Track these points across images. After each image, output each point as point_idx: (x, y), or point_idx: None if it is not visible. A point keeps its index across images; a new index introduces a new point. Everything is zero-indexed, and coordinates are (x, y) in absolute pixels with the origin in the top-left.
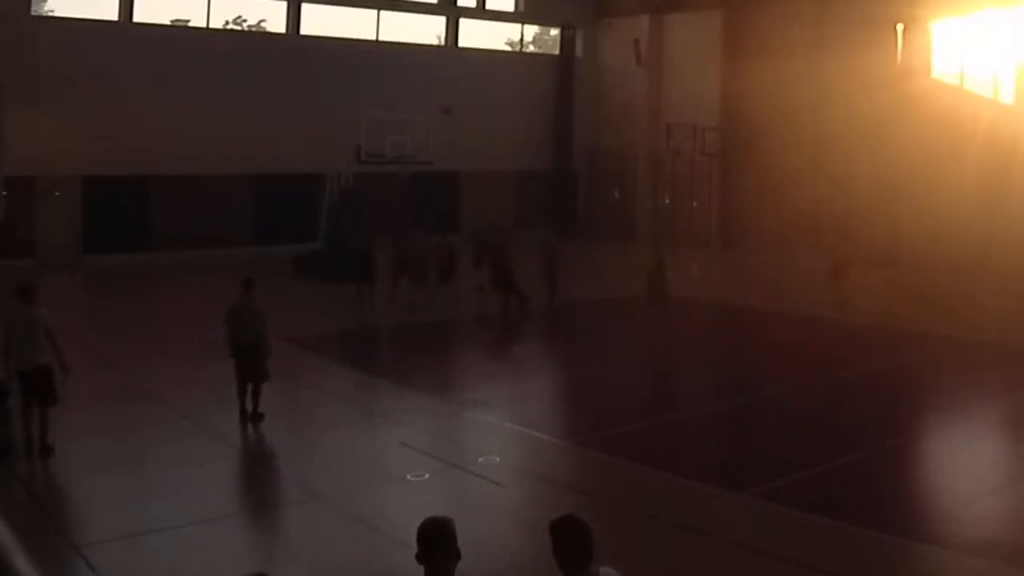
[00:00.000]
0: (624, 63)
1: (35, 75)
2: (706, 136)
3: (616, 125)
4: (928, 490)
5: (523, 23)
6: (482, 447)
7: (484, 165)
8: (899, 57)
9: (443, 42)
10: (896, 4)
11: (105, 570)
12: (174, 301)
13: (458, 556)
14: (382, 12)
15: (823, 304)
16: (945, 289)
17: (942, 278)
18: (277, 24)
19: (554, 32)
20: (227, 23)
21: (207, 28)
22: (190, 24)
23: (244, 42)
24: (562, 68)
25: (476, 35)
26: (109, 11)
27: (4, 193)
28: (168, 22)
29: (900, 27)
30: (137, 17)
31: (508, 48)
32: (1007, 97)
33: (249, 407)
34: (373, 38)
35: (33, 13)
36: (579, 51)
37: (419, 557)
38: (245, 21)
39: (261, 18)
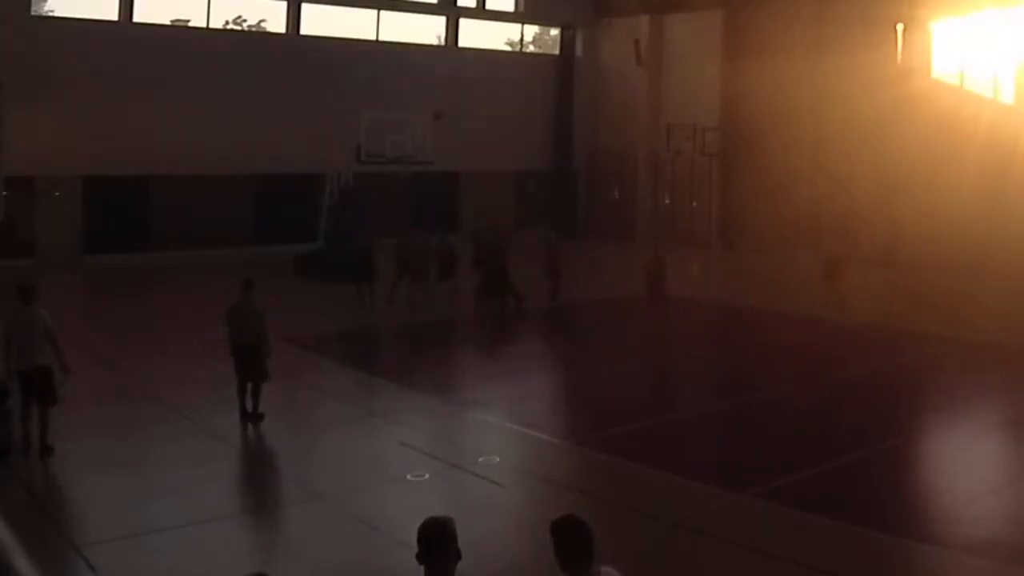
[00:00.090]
0: (624, 63)
1: (35, 75)
2: (706, 136)
3: (616, 125)
4: (928, 490)
5: (523, 23)
6: (482, 447)
7: (484, 165)
8: (899, 57)
9: (443, 42)
10: (896, 4)
11: (105, 570)
12: (174, 301)
13: (458, 556)
14: (382, 12)
15: (820, 304)
16: (945, 289)
17: (942, 278)
18: (277, 24)
19: (554, 32)
20: (227, 23)
21: (207, 28)
22: (190, 24)
23: (244, 42)
24: (562, 68)
25: (476, 35)
26: (109, 11)
27: (4, 193)
28: (168, 22)
29: (900, 27)
30: (137, 17)
31: (508, 48)
32: (1007, 97)
33: (249, 407)
34: (373, 38)
35: (33, 13)
36: (579, 51)
37: (419, 557)
38: (245, 21)
39: (261, 18)
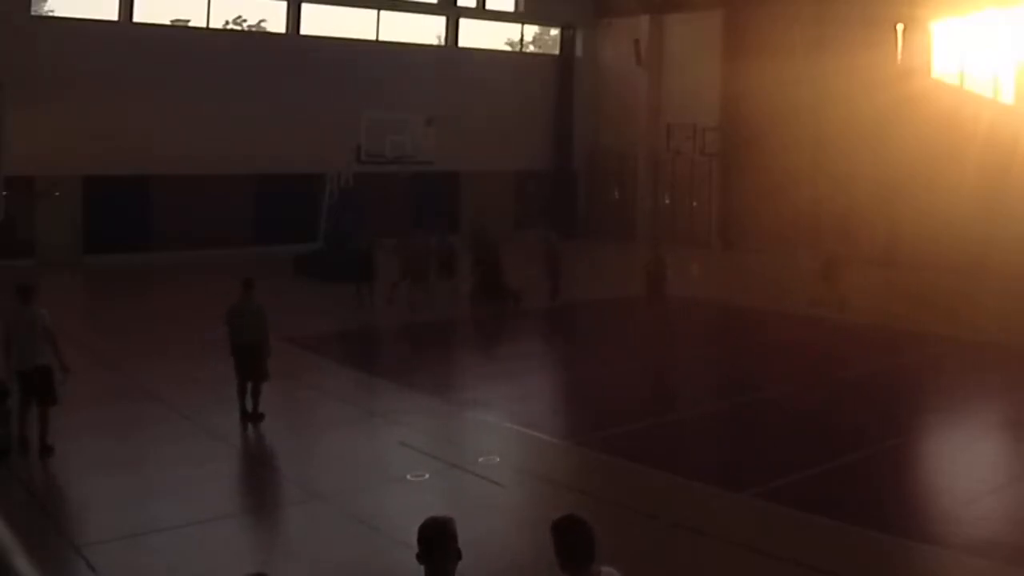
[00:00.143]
0: (624, 63)
1: (35, 75)
2: (706, 136)
3: (616, 125)
4: (928, 490)
5: (523, 23)
6: (482, 447)
7: (484, 165)
8: (899, 57)
9: (443, 42)
10: (896, 4)
11: (105, 570)
12: (174, 301)
13: (459, 556)
14: (382, 12)
15: (816, 303)
16: (945, 289)
17: (942, 278)
18: (277, 24)
19: (554, 32)
20: (227, 23)
21: (207, 28)
22: (190, 24)
23: (244, 42)
24: (562, 68)
25: (476, 35)
26: (109, 11)
27: (4, 193)
28: (168, 22)
29: (900, 27)
30: (137, 17)
31: (508, 48)
32: (1007, 97)
33: (249, 407)
34: (373, 38)
35: (33, 13)
36: (579, 51)
37: (419, 557)
38: (245, 21)
39: (261, 18)
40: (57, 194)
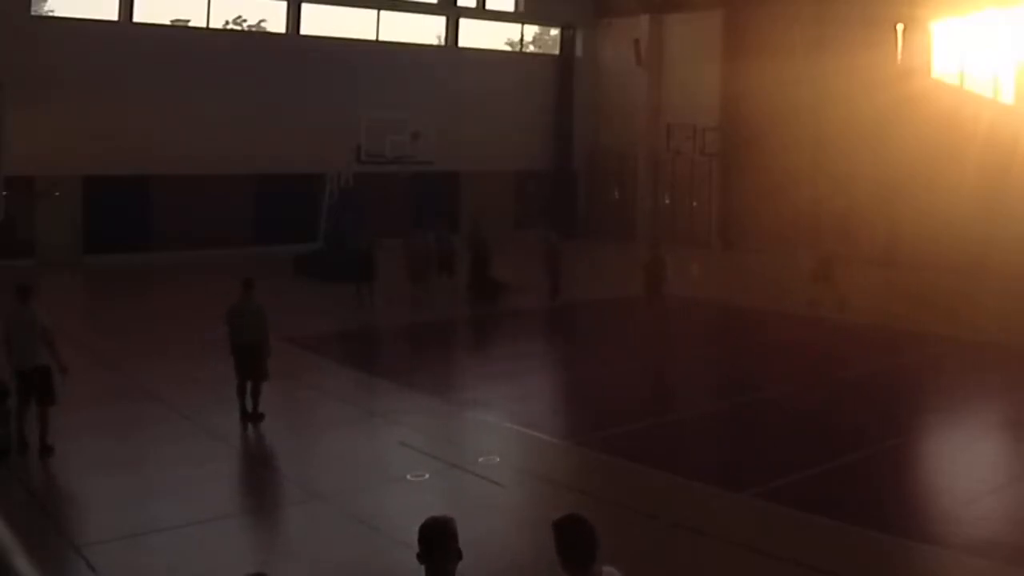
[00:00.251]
0: (624, 63)
1: (35, 75)
2: (706, 136)
3: (616, 125)
4: (928, 490)
5: (523, 23)
6: (482, 447)
7: (484, 165)
8: (899, 57)
9: (443, 42)
10: (896, 4)
11: (105, 570)
12: (174, 301)
13: (459, 556)
14: (382, 12)
15: (810, 303)
16: (945, 289)
17: (942, 278)
18: (277, 24)
19: (554, 32)
20: (227, 23)
21: (207, 28)
22: (190, 24)
23: (244, 42)
24: (562, 68)
25: (476, 35)
26: (109, 11)
27: (4, 193)
28: (168, 22)
29: (900, 27)
30: (137, 17)
31: (508, 48)
32: (1007, 97)
33: (249, 407)
34: (373, 38)
35: (33, 13)
36: (579, 51)
37: (420, 557)
38: (245, 21)
39: (261, 18)
40: (57, 194)
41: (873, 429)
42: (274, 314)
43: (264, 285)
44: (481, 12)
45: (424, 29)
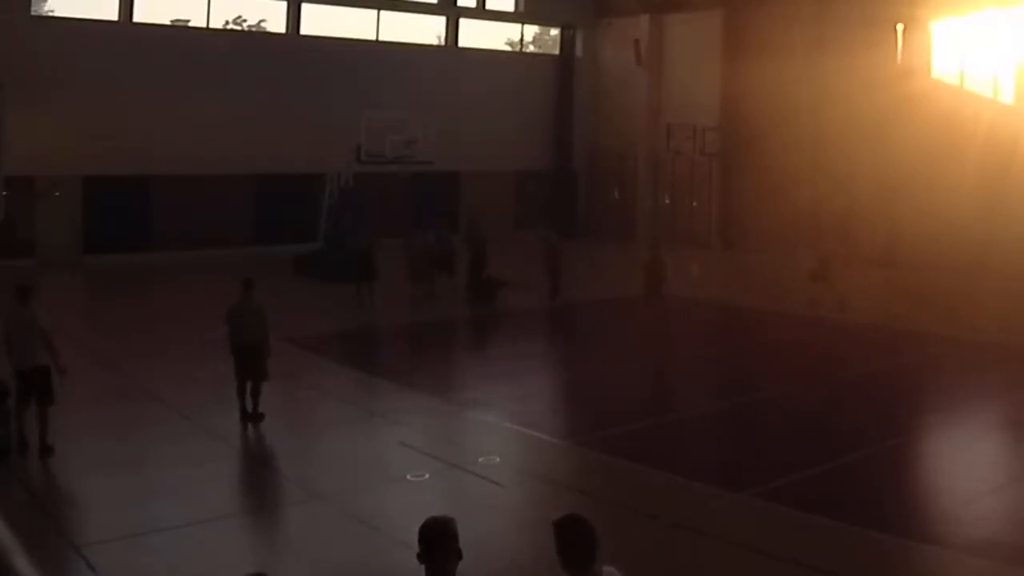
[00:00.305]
0: (624, 63)
1: (35, 75)
2: (706, 136)
3: (616, 125)
4: (928, 490)
5: (523, 23)
6: (482, 447)
7: (484, 165)
8: (899, 57)
9: (443, 42)
10: (896, 4)
11: (105, 570)
12: (174, 301)
13: (459, 556)
14: (382, 12)
15: (816, 303)
16: (945, 289)
17: (942, 278)
18: (277, 24)
19: (554, 32)
20: (227, 23)
21: (207, 28)
22: (190, 24)
23: (244, 42)
24: (562, 68)
25: (476, 35)
26: (109, 11)
27: (4, 193)
28: (168, 22)
29: (900, 27)
30: (137, 17)
31: (508, 48)
32: (1007, 97)
33: (249, 407)
34: (373, 38)
35: (33, 13)
36: (579, 51)
37: (420, 557)
38: (245, 21)
39: (261, 18)
40: (57, 194)
41: (873, 429)
42: (274, 314)
43: (264, 285)
44: (481, 12)
45: (424, 29)
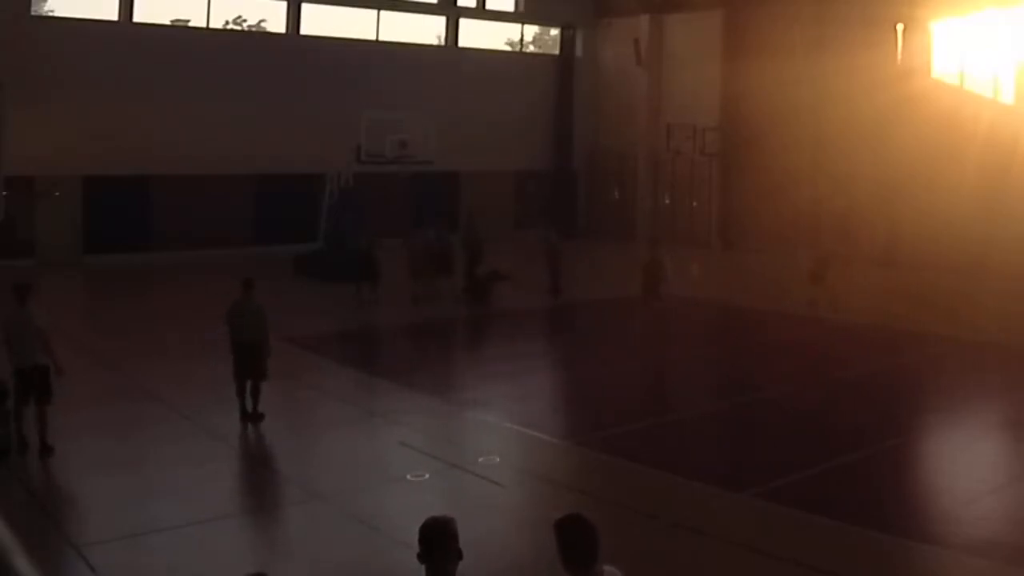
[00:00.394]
0: (624, 63)
1: (35, 75)
2: (706, 136)
3: (616, 125)
4: (928, 490)
5: (523, 23)
6: (482, 447)
7: (484, 165)
8: (899, 57)
9: (443, 42)
10: (896, 4)
11: (105, 570)
12: (174, 301)
13: (459, 556)
14: (382, 12)
15: (814, 304)
16: (945, 289)
17: (942, 278)
18: (277, 24)
19: (554, 32)
20: (227, 23)
21: (207, 28)
22: (190, 24)
23: (244, 42)
24: (562, 68)
25: (476, 35)
26: (109, 11)
27: (4, 193)
28: (168, 22)
29: (900, 27)
30: (137, 17)
31: (508, 48)
32: (1007, 97)
33: (249, 407)
34: (373, 38)
35: (33, 13)
36: (579, 51)
37: (420, 557)
38: (245, 21)
39: (261, 18)
40: (57, 194)
41: (873, 429)
42: (274, 314)
43: (264, 285)
44: (481, 12)
45: (424, 29)
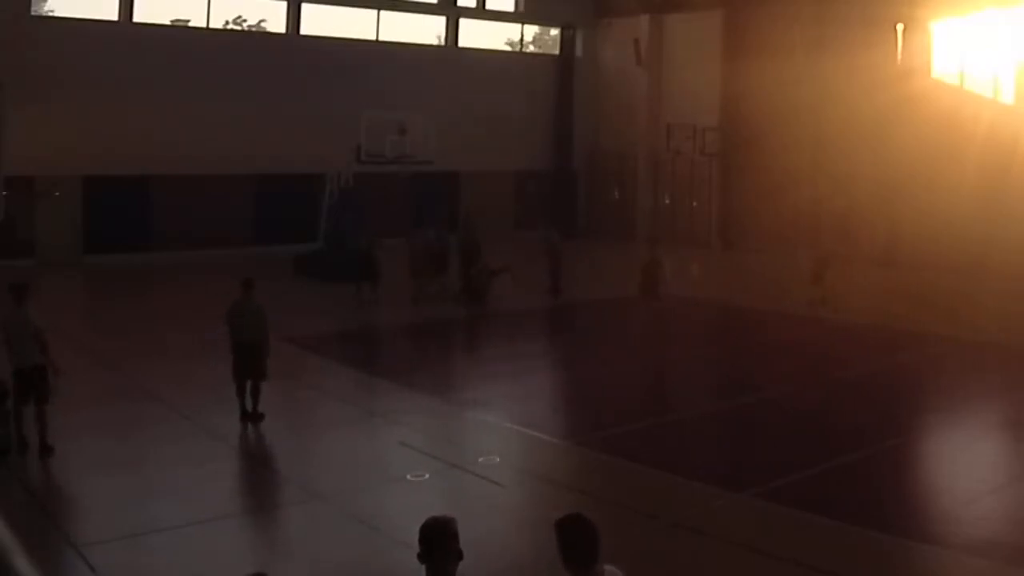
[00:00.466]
0: (624, 63)
1: (35, 75)
2: (706, 136)
3: (616, 125)
4: (928, 490)
5: (523, 23)
6: (482, 447)
7: (484, 165)
8: (899, 57)
9: (443, 42)
10: (896, 4)
11: (105, 570)
12: (174, 301)
13: (459, 556)
14: (382, 12)
15: (814, 303)
16: (945, 289)
17: (942, 278)
18: (277, 24)
19: (554, 32)
20: (227, 23)
21: (207, 28)
22: (190, 24)
23: (244, 42)
24: (562, 68)
25: (476, 35)
26: (109, 11)
27: (4, 193)
28: (168, 22)
29: (900, 27)
30: (137, 17)
31: (508, 48)
32: (1007, 97)
33: (249, 407)
34: (373, 38)
35: (33, 13)
36: (579, 51)
37: (420, 557)
38: (245, 21)
39: (261, 18)
40: (57, 194)
41: (873, 429)
42: (274, 314)
43: (264, 285)
44: (481, 12)
45: (424, 29)
